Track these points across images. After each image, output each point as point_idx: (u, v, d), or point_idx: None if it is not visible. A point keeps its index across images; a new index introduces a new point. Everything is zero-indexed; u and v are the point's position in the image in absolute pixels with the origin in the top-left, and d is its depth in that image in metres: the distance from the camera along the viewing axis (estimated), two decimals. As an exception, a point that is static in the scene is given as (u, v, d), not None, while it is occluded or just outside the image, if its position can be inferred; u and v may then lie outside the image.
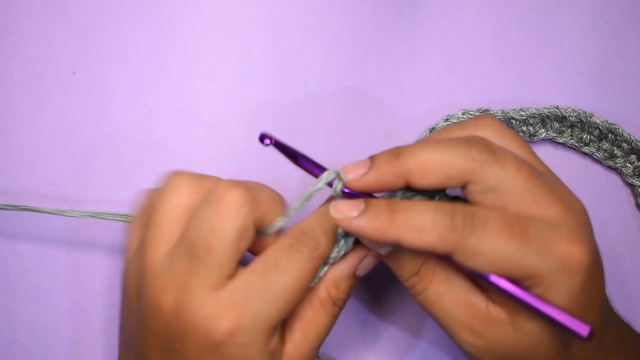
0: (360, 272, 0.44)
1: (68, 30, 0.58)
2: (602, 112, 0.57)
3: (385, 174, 0.39)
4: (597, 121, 0.54)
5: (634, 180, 0.55)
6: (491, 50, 0.58)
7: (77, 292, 0.56)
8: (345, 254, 0.44)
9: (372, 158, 0.40)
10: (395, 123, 0.57)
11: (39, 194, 0.57)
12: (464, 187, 0.39)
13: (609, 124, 0.54)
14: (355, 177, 0.39)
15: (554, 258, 0.37)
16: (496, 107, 0.56)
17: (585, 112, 0.54)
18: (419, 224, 0.37)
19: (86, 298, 0.56)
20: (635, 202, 0.56)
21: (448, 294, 0.41)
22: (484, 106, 0.56)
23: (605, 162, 0.56)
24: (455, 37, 0.58)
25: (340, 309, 0.44)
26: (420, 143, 0.40)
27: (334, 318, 0.44)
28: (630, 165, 0.55)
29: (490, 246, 0.36)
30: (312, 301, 0.43)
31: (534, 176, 0.38)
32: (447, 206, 0.37)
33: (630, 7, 0.58)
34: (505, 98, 0.57)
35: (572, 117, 0.55)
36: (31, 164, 0.57)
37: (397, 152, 0.39)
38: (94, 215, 0.51)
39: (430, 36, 0.58)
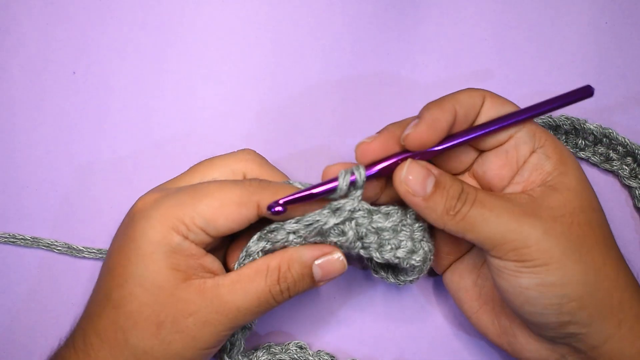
0: (318, 271, 0.45)
1: (68, 30, 0.58)
2: (602, 112, 0.57)
3: (442, 120, 0.44)
4: (591, 127, 0.54)
5: (631, 182, 0.55)
6: (491, 50, 0.58)
7: (77, 292, 0.56)
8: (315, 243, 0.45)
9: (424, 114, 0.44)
10: (395, 123, 0.57)
11: (38, 194, 0.57)
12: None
13: (603, 128, 0.54)
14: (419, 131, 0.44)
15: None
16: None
17: (579, 119, 0.54)
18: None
19: (86, 298, 0.55)
20: (634, 203, 0.56)
21: (495, 200, 0.43)
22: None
23: (602, 165, 0.56)
24: (455, 37, 0.58)
25: (282, 293, 0.44)
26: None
27: (271, 297, 0.44)
28: (626, 168, 0.55)
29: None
30: (260, 265, 0.44)
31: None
32: None
33: (630, 7, 0.58)
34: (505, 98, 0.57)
35: (565, 125, 0.55)
36: (31, 164, 0.57)
37: (441, 102, 0.45)
38: (69, 252, 0.55)
39: (430, 36, 0.58)
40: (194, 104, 0.58)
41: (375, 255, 0.46)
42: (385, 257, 0.45)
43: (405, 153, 0.44)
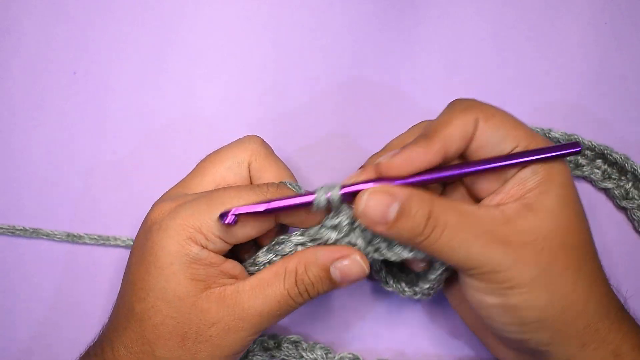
0: (337, 273, 0.44)
1: (68, 30, 0.59)
2: (602, 111, 0.57)
3: (422, 161, 0.42)
4: (557, 135, 0.53)
5: (606, 184, 0.54)
6: (491, 50, 0.58)
7: (77, 291, 0.56)
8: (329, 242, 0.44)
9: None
10: (394, 123, 0.57)
11: (39, 194, 0.57)
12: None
13: (568, 135, 0.53)
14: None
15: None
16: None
17: (542, 129, 0.54)
18: None
19: (86, 298, 0.56)
20: (615, 204, 0.55)
21: (465, 223, 0.41)
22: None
23: (574, 172, 0.54)
24: (455, 37, 0.58)
25: (301, 295, 0.44)
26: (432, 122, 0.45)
27: (290, 299, 0.44)
28: (598, 171, 0.54)
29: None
30: (278, 268, 0.44)
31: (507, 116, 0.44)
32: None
33: (630, 7, 0.58)
34: (505, 98, 0.57)
35: None
36: (31, 164, 0.57)
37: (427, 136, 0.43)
38: (98, 242, 0.56)
39: (430, 36, 0.58)
40: (195, 104, 0.58)
41: (388, 255, 0.45)
42: (396, 252, 0.45)
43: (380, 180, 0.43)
